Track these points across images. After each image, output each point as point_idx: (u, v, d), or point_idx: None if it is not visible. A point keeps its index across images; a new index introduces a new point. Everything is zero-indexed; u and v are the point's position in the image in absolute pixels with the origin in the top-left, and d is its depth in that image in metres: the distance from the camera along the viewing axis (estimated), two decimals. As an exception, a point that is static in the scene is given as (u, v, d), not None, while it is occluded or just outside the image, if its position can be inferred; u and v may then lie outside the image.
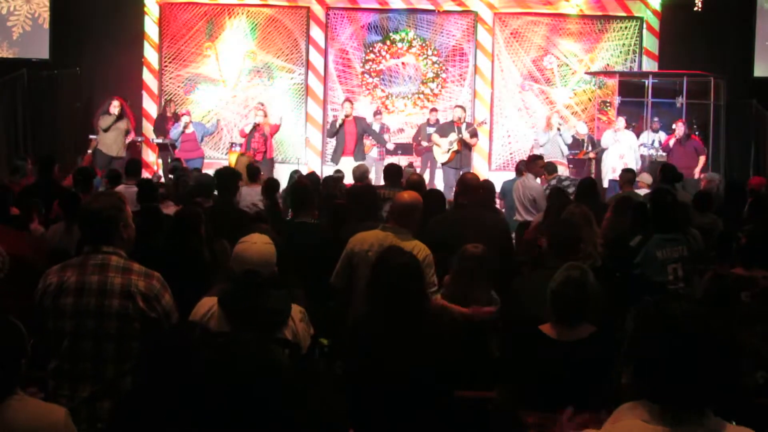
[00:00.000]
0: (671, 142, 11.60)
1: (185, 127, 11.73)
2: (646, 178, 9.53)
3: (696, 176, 11.25)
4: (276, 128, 11.93)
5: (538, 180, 8.94)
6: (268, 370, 2.68)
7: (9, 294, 3.69)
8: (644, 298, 4.45)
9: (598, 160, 12.04)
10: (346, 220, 5.44)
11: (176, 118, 12.53)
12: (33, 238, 4.58)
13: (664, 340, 1.69)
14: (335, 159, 11.65)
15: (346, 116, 11.61)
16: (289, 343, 3.00)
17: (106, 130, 11.41)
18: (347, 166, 10.30)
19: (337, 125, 11.54)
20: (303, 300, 3.43)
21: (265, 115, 11.85)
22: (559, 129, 11.79)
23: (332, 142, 13.72)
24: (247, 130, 11.71)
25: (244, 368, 2.39)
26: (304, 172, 10.64)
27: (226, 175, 6.17)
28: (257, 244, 3.09)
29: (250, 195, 7.87)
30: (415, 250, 4.01)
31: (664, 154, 11.75)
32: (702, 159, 11.52)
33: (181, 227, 4.48)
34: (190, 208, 4.83)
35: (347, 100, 12.20)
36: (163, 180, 10.71)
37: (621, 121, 11.85)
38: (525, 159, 10.27)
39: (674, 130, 11.69)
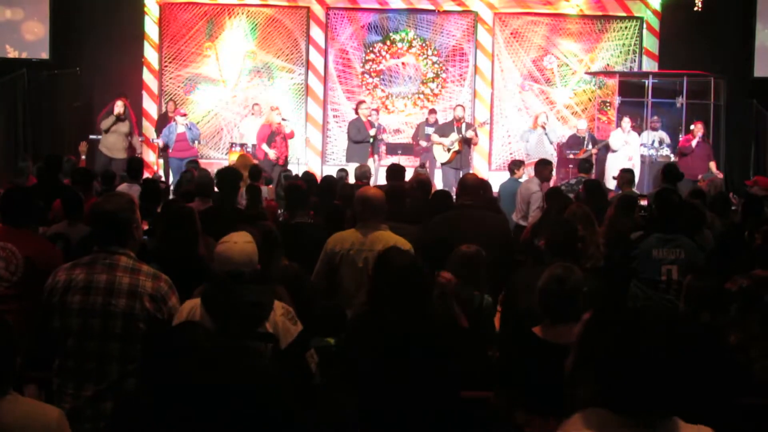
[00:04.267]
0: (693, 143, 11.50)
1: (183, 128, 11.70)
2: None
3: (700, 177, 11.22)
4: (292, 134, 11.85)
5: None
6: (263, 372, 2.69)
7: (24, 296, 3.69)
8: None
9: (601, 160, 12.02)
10: (342, 220, 5.46)
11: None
12: (48, 240, 4.57)
13: (627, 346, 1.65)
14: (362, 160, 10.93)
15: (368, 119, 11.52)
16: (272, 336, 3.01)
17: (106, 131, 11.34)
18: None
19: (370, 137, 11.31)
20: (287, 297, 3.41)
21: (280, 114, 11.79)
22: (544, 128, 11.79)
23: (332, 141, 13.76)
24: (251, 131, 11.74)
25: (240, 370, 2.40)
26: (296, 172, 10.66)
27: (228, 175, 6.15)
28: (238, 243, 3.08)
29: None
30: (399, 244, 4.15)
31: (668, 154, 11.74)
32: (713, 164, 11.49)
33: (175, 224, 4.47)
34: (181, 205, 4.83)
35: (362, 101, 12.13)
36: (163, 180, 10.72)
37: (627, 122, 11.82)
38: (517, 159, 10.31)
39: (692, 130, 11.63)
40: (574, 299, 3.10)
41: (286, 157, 11.53)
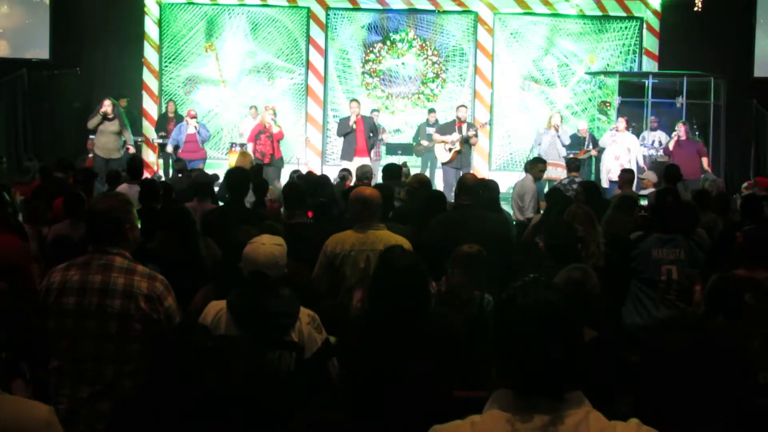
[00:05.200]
0: (671, 144, 11.53)
1: (196, 128, 11.68)
2: (651, 176, 9.54)
3: (699, 177, 11.20)
4: (281, 135, 11.82)
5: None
6: (263, 373, 2.69)
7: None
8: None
9: (598, 160, 12.02)
10: (328, 216, 5.51)
11: (179, 118, 12.50)
12: (17, 238, 4.54)
13: (509, 328, 1.68)
14: (347, 157, 11.28)
15: (357, 116, 11.49)
16: (297, 345, 2.99)
17: (93, 131, 11.25)
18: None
19: (351, 126, 11.28)
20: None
21: (274, 115, 11.79)
22: (557, 130, 11.76)
23: (332, 141, 13.76)
24: (248, 131, 11.74)
25: (240, 370, 2.40)
26: (304, 171, 10.65)
27: (237, 175, 6.16)
28: (266, 245, 3.07)
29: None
30: (399, 243, 4.16)
31: (664, 154, 11.73)
32: (705, 160, 11.49)
33: (176, 225, 4.47)
34: (178, 206, 4.83)
35: (354, 100, 12.08)
36: (163, 180, 10.73)
37: (621, 122, 11.78)
38: (536, 157, 10.27)
39: (676, 131, 11.65)
40: (590, 303, 3.08)
41: (271, 155, 11.46)
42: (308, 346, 3.00)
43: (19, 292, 3.86)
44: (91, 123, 11.23)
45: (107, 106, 11.20)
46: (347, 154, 11.33)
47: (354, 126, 11.23)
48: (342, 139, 11.65)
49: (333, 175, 10.20)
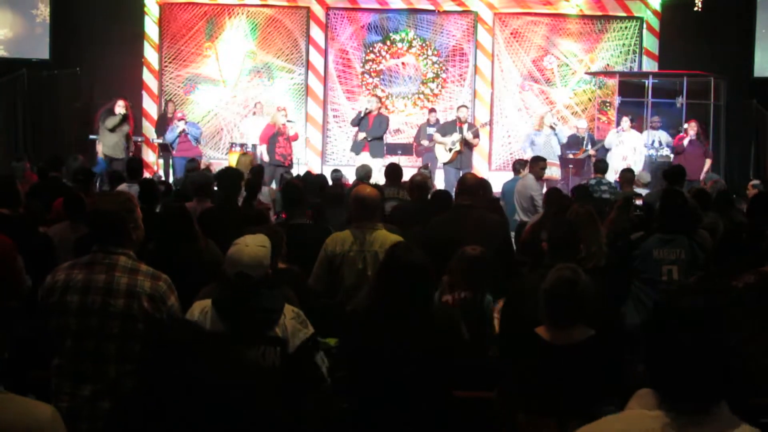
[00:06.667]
0: (685, 142, 11.48)
1: (181, 131, 11.68)
2: (644, 177, 9.53)
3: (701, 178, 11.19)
4: (296, 137, 11.84)
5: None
6: (261, 371, 2.69)
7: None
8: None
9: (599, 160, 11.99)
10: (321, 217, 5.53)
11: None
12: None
13: (665, 333, 1.66)
14: (356, 150, 11.55)
15: (369, 111, 11.50)
16: (280, 340, 3.00)
17: (112, 130, 11.26)
18: (366, 161, 10.33)
19: (362, 115, 11.41)
20: (295, 301, 3.41)
21: (286, 116, 11.81)
22: (553, 128, 11.75)
23: (332, 141, 13.76)
24: (251, 130, 11.76)
25: (237, 368, 2.40)
26: (302, 172, 10.66)
27: (230, 175, 6.14)
28: (249, 246, 3.08)
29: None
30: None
31: (668, 154, 11.72)
32: (708, 162, 11.48)
33: (173, 224, 4.47)
34: (173, 204, 4.82)
35: (373, 95, 12.08)
36: (163, 180, 10.72)
37: (626, 122, 11.77)
38: (522, 159, 10.27)
39: (686, 129, 11.62)
40: (582, 301, 3.06)
41: (291, 159, 11.51)
42: (291, 340, 3.01)
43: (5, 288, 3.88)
44: (112, 122, 11.23)
45: (122, 107, 11.23)
46: (356, 147, 11.46)
47: (363, 117, 11.31)
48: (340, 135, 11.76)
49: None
